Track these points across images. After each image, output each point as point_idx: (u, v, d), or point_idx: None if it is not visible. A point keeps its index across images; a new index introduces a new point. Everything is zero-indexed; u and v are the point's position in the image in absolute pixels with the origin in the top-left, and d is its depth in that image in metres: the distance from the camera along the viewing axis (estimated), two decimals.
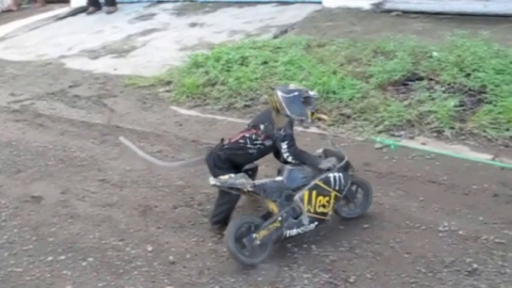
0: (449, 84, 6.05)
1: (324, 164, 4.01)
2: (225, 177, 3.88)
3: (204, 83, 6.84)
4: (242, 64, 7.04)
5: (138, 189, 4.99)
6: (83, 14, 11.66)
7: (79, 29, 10.62)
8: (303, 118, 3.99)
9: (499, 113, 5.44)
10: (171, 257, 4.00)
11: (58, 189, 5.01)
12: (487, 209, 4.22)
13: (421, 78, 6.25)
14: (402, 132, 5.45)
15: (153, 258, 4.01)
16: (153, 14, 10.89)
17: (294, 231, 3.91)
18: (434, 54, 6.71)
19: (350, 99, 5.98)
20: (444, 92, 5.92)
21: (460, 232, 3.99)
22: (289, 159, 3.96)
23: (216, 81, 6.80)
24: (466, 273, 3.60)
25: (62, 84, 7.84)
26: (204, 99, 6.65)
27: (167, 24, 10.05)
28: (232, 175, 3.91)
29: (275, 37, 8.40)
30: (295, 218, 3.91)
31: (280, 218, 3.86)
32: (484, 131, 5.26)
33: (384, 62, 6.58)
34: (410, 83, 6.23)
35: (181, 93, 6.84)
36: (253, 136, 4.03)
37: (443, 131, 5.38)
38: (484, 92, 5.81)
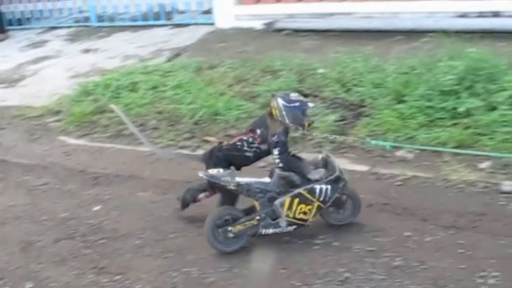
0: (331, 99, 6.31)
1: (313, 174, 4.11)
2: (213, 171, 4.07)
3: (93, 111, 6.76)
4: (132, 90, 7.03)
5: (20, 224, 4.87)
6: None
7: None
8: (300, 128, 4.13)
9: (376, 125, 5.73)
10: None
11: None
12: (362, 218, 4.41)
13: (305, 95, 6.45)
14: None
15: None
16: (46, 41, 10.69)
17: (270, 231, 4.10)
18: (320, 71, 6.99)
19: (236, 120, 6.10)
20: (327, 107, 6.16)
21: (335, 243, 4.15)
22: (280, 165, 4.07)
23: (105, 109, 6.74)
24: (338, 282, 3.75)
25: None
26: (93, 128, 6.57)
27: (60, 51, 9.88)
28: (221, 170, 4.08)
29: (168, 61, 8.45)
30: (273, 220, 4.07)
31: (258, 217, 4.06)
32: (362, 143, 5.50)
33: (270, 81, 6.76)
34: None
35: (70, 123, 6.73)
36: (250, 139, 4.17)
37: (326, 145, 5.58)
38: (363, 106, 6.11)
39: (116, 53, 9.25)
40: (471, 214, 4.41)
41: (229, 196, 4.24)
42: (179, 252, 4.25)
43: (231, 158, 4.25)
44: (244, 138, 4.21)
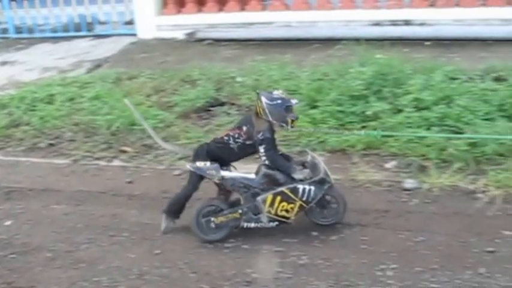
0: (247, 107, 6.44)
1: (298, 174, 4.19)
2: (200, 164, 4.22)
3: (7, 125, 6.64)
4: (48, 102, 6.95)
5: None
6: None
7: None
8: (283, 125, 4.15)
9: (290, 131, 5.87)
10: None
11: None
12: None
13: (222, 104, 6.60)
14: None
15: None
16: None
17: (252, 225, 4.25)
18: (238, 79, 7.13)
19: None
20: (243, 115, 6.26)
21: (244, 246, 4.26)
22: (266, 162, 4.15)
23: (19, 122, 6.64)
24: (245, 283, 3.86)
25: None
26: (7, 142, 6.45)
27: None
28: (208, 163, 4.20)
29: (88, 72, 8.39)
30: (255, 215, 4.21)
31: (240, 211, 4.22)
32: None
33: (188, 90, 6.85)
34: (213, 108, 6.55)
35: None
36: (236, 135, 4.24)
37: None
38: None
39: (34, 65, 9.10)
40: (375, 212, 4.64)
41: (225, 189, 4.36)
42: (91, 263, 4.24)
43: (218, 150, 4.30)
44: (231, 133, 4.29)
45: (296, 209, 4.22)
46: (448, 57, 7.41)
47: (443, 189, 4.92)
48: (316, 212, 4.39)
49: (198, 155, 4.35)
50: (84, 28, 10.62)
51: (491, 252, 4.09)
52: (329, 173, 4.29)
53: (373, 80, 6.23)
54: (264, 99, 4.12)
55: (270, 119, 4.12)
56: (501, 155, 5.22)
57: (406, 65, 6.56)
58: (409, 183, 5.00)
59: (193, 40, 9.45)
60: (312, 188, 4.18)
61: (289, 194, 4.17)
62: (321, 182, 4.21)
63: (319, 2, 9.27)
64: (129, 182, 5.41)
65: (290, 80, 6.71)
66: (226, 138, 4.30)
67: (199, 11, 9.73)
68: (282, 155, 4.37)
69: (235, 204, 4.33)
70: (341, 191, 4.49)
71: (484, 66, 6.75)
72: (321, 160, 4.43)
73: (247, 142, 4.23)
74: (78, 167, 5.84)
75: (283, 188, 4.17)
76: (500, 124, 5.49)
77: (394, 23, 8.85)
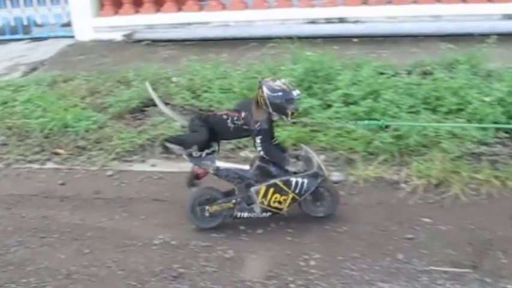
0: (182, 106, 6.51)
1: (292, 166, 4.26)
2: (196, 154, 4.29)
3: None
4: None
5: None
6: None
7: None
8: (284, 117, 4.17)
9: None
10: None
11: None
12: None
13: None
14: (135, 157, 5.75)
15: None
16: None
17: (245, 215, 4.37)
18: (174, 79, 7.18)
19: (86, 131, 6.14)
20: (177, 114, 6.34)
21: (173, 242, 4.35)
22: (261, 153, 4.18)
23: None
24: (172, 278, 3.95)
25: None
26: None
27: None
28: (203, 154, 4.26)
29: (23, 75, 8.29)
30: (248, 205, 4.31)
31: (234, 201, 4.32)
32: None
33: (123, 91, 6.86)
34: (147, 109, 6.58)
35: None
36: (235, 118, 4.25)
37: None
38: (211, 111, 6.33)
39: None
40: None
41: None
42: (20, 264, 4.24)
43: (216, 124, 4.29)
44: (230, 114, 4.30)
45: (289, 201, 4.31)
46: (379, 54, 7.63)
47: (368, 180, 5.10)
48: (310, 204, 4.50)
49: (194, 121, 4.36)
50: (21, 31, 10.47)
51: (410, 239, 4.29)
52: (323, 166, 4.39)
53: (304, 77, 6.39)
54: (265, 89, 4.10)
55: (270, 110, 4.14)
56: (424, 146, 5.45)
57: (336, 61, 6.74)
58: (336, 176, 5.16)
59: (131, 41, 9.44)
60: (305, 181, 4.26)
61: (282, 186, 4.25)
62: (314, 176, 4.30)
63: (256, 1, 9.38)
64: (62, 184, 5.42)
65: (224, 79, 6.80)
66: (225, 116, 4.31)
67: (137, 11, 9.72)
68: (278, 145, 4.45)
69: (229, 194, 4.43)
70: (334, 185, 4.67)
71: (413, 61, 6.99)
72: (314, 154, 4.52)
73: (244, 126, 4.25)
74: (10, 170, 5.80)
75: (276, 180, 4.25)
76: (424, 117, 5.73)
77: (329, 20, 9.03)
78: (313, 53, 6.73)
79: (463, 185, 4.89)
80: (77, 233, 4.57)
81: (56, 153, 5.91)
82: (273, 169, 4.29)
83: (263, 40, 8.47)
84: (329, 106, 6.07)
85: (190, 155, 4.34)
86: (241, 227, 4.48)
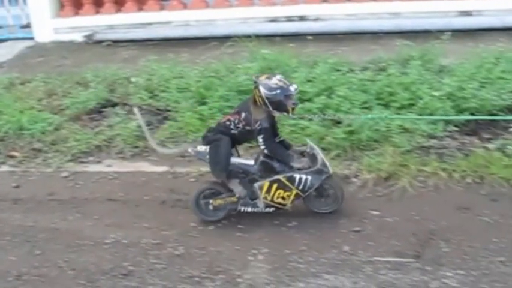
0: (139, 106, 6.52)
1: (296, 163, 4.27)
2: (201, 148, 4.37)
3: None
4: None
5: None
6: None
7: None
8: (285, 114, 4.20)
9: (178, 127, 6.04)
10: None
11: None
12: (153, 215, 4.71)
13: (115, 104, 6.66)
14: (90, 158, 5.77)
15: None
16: None
17: (249, 209, 4.45)
18: (133, 80, 7.18)
19: (42, 133, 6.14)
20: (133, 114, 6.36)
21: (124, 241, 4.40)
22: (265, 151, 4.20)
23: None
24: (121, 276, 4.01)
25: None
26: None
27: None
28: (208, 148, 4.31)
29: None
30: (252, 200, 4.38)
31: (238, 195, 4.34)
32: (164, 145, 5.76)
33: (80, 92, 6.85)
34: (104, 110, 6.59)
35: None
36: (236, 120, 4.27)
37: (128, 151, 5.80)
38: (168, 110, 6.40)
39: None
40: None
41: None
42: None
43: (221, 134, 4.33)
44: (232, 118, 4.32)
45: (292, 197, 4.36)
46: (338, 51, 7.73)
47: None
48: (314, 200, 4.54)
49: (207, 136, 4.43)
50: None
51: (358, 231, 4.40)
52: (327, 163, 4.41)
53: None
54: (262, 89, 4.09)
55: (271, 109, 4.15)
56: (375, 141, 5.56)
57: (293, 59, 6.83)
58: None
59: (92, 42, 9.39)
60: (309, 177, 4.29)
61: (286, 182, 4.29)
62: (319, 172, 4.32)
63: (217, 0, 9.42)
64: (16, 187, 5.42)
65: (181, 78, 6.82)
66: (228, 123, 4.34)
67: (97, 12, 9.67)
68: (283, 141, 4.48)
69: None
70: (339, 181, 4.73)
71: (370, 58, 7.11)
72: (319, 150, 4.54)
73: (247, 128, 4.27)
74: None
75: (279, 176, 4.29)
76: (376, 112, 5.84)
77: (289, 18, 9.11)
78: (271, 51, 6.79)
79: (411, 177, 5.02)
80: (29, 234, 4.60)
81: (11, 156, 5.90)
82: (276, 165, 4.34)
83: (224, 39, 8.49)
84: None
85: (195, 149, 4.41)
86: (192, 224, 4.54)
